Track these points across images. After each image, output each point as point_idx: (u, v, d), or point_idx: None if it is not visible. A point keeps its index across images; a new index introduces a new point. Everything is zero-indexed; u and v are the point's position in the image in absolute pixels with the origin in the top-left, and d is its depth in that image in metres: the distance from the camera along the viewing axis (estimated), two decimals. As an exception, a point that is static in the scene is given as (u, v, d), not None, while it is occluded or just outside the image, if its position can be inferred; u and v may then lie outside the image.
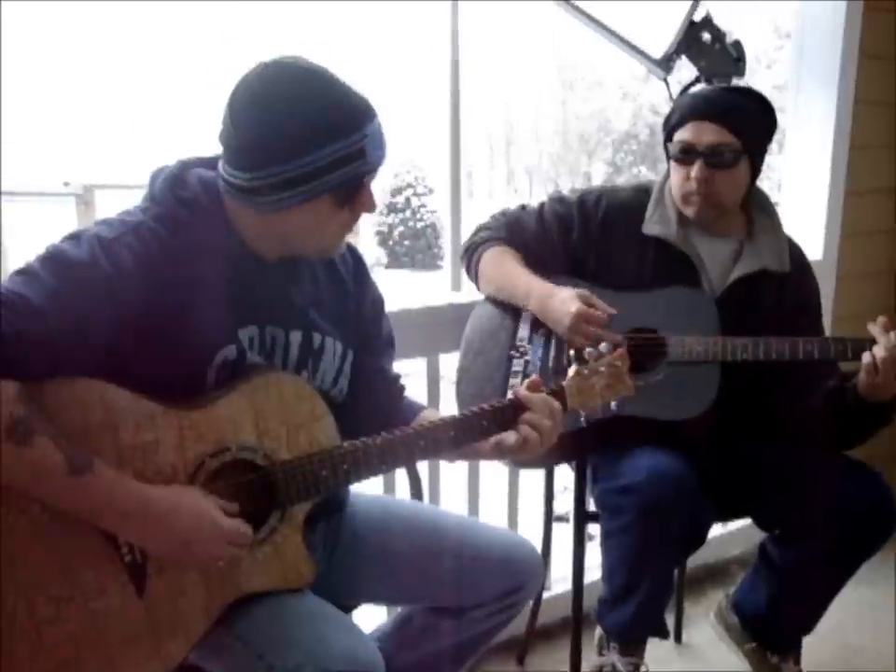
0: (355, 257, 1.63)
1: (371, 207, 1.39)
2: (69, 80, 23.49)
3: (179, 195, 1.35)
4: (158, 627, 1.27)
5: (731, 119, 1.89)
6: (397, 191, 24.66)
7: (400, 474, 1.94)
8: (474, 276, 2.14)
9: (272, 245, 1.40)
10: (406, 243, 24.45)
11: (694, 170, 1.91)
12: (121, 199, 1.40)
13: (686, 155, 1.93)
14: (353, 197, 1.35)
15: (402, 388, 1.72)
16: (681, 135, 1.93)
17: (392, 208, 24.60)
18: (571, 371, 1.54)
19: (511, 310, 2.06)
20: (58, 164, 17.79)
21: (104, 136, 18.43)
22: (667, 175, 2.05)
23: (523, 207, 2.14)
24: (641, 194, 2.07)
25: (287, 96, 1.28)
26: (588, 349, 1.56)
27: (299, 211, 1.33)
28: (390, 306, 1.75)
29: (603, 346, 1.57)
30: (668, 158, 2.00)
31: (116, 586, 1.24)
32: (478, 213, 2.29)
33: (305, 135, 1.27)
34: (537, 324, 2.01)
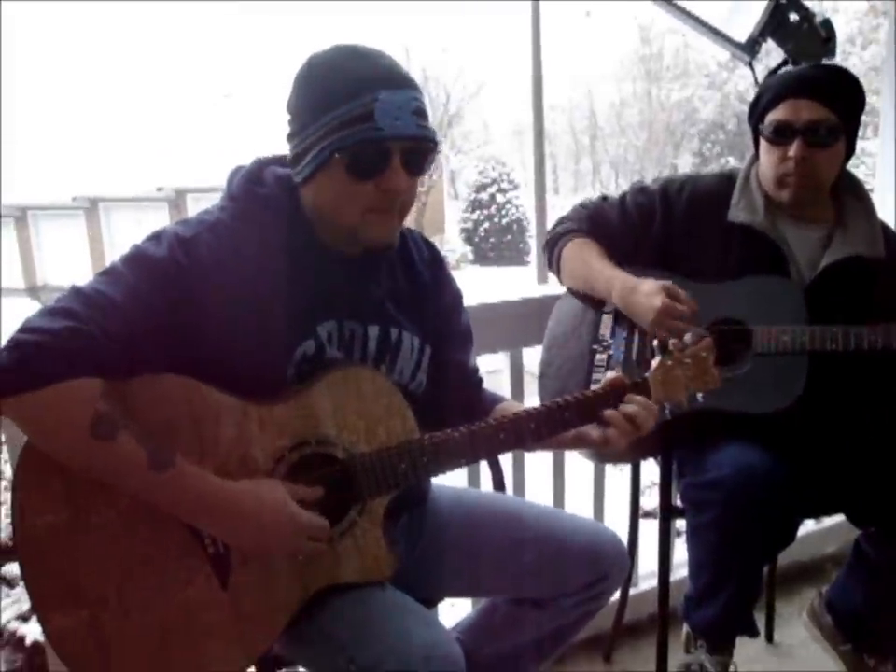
0: (432, 251, 1.62)
1: (395, 184, 1.32)
2: (160, 86, 24.21)
3: (256, 192, 1.38)
4: (242, 618, 1.30)
5: (828, 95, 1.83)
6: (481, 188, 24.73)
7: (485, 470, 1.94)
8: (556, 269, 2.11)
9: (332, 232, 1.40)
10: (492, 239, 24.48)
11: (793, 149, 1.84)
12: (212, 202, 1.43)
13: (782, 135, 1.85)
14: (372, 171, 1.32)
15: (481, 381, 1.71)
16: (776, 115, 1.86)
17: (477, 205, 24.67)
18: (655, 362, 1.51)
19: (593, 304, 2.04)
20: (151, 170, 18.34)
21: (195, 140, 18.92)
22: (752, 162, 2.00)
23: (604, 198, 2.10)
24: (725, 181, 2.02)
25: (313, 69, 1.34)
26: (672, 340, 1.53)
27: (320, 180, 1.34)
28: (475, 300, 1.74)
29: (688, 337, 1.54)
30: (756, 142, 1.95)
31: (201, 577, 1.27)
32: (563, 207, 2.27)
33: (320, 100, 1.30)
34: (619, 317, 1.98)
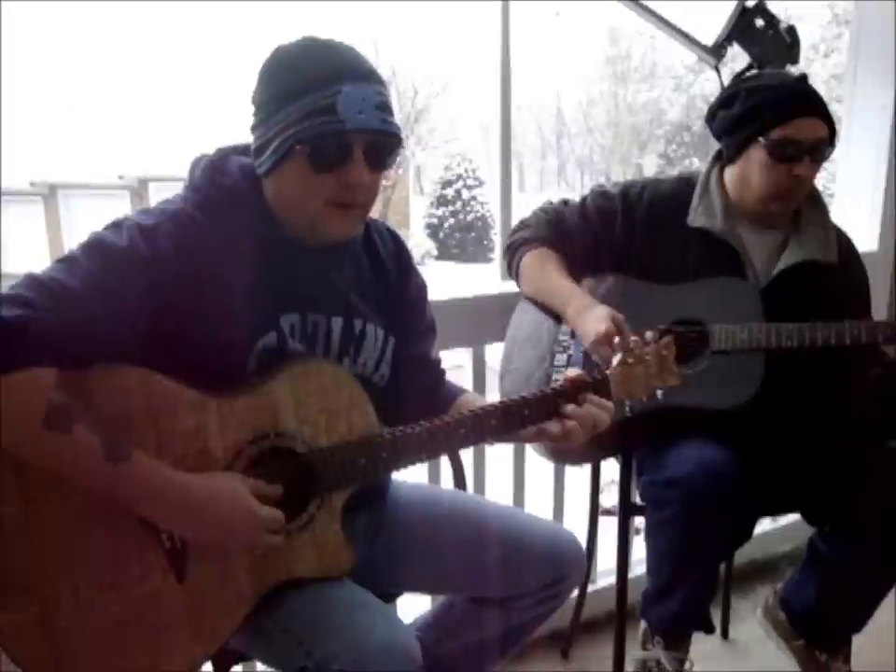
0: (397, 243, 1.62)
1: (356, 177, 1.32)
2: (124, 73, 23.90)
3: (219, 182, 1.37)
4: (198, 613, 1.28)
5: (826, 112, 1.86)
6: (447, 184, 24.72)
7: (445, 465, 1.94)
8: (515, 277, 2.13)
9: (294, 224, 1.39)
10: (457, 235, 24.48)
11: (802, 168, 1.85)
12: (175, 192, 1.41)
13: (789, 152, 1.85)
14: (334, 163, 1.32)
15: (443, 373, 1.72)
16: (786, 132, 1.84)
17: (442, 200, 24.65)
18: (616, 359, 1.52)
19: (551, 312, 2.05)
20: (113, 158, 18.08)
21: (158, 129, 18.69)
22: (712, 166, 2.02)
23: (565, 203, 2.12)
24: (684, 185, 2.04)
25: (278, 60, 1.34)
26: (633, 338, 1.54)
27: (283, 172, 1.34)
28: (438, 296, 1.74)
29: (649, 334, 1.55)
30: (737, 152, 1.94)
31: (157, 572, 1.25)
32: (528, 204, 2.28)
33: (282, 92, 1.30)
34: None
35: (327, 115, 1.28)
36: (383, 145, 1.35)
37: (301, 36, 1.36)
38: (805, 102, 1.86)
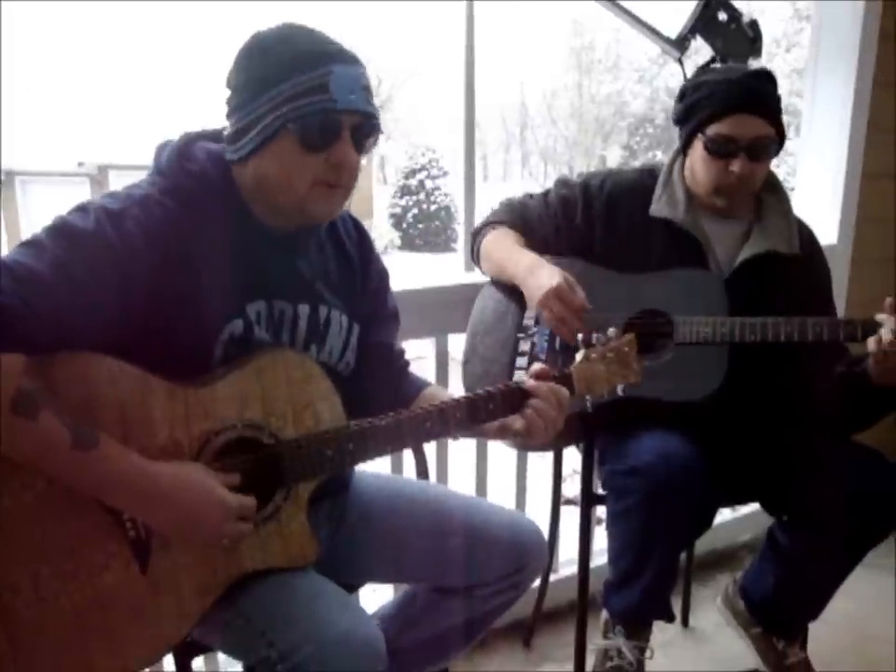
0: (359, 230, 1.62)
1: (344, 157, 1.33)
2: (85, 61, 23.53)
3: (186, 168, 1.35)
4: (161, 603, 1.27)
5: (770, 110, 1.87)
6: (411, 174, 24.63)
7: (408, 454, 1.94)
8: (477, 259, 2.15)
9: (270, 212, 1.39)
10: (420, 225, 24.41)
11: (737, 165, 1.86)
12: (135, 179, 1.39)
13: (725, 149, 1.87)
14: (323, 143, 1.31)
15: (407, 363, 1.72)
16: (720, 129, 1.86)
17: (406, 190, 24.56)
18: (579, 356, 1.53)
19: (518, 292, 2.05)
20: (73, 145, 17.80)
21: (118, 117, 18.42)
22: (675, 157, 2.04)
23: (530, 196, 2.15)
24: (646, 176, 2.06)
25: (261, 44, 1.33)
26: (595, 334, 1.55)
27: (267, 153, 1.32)
28: (401, 286, 1.75)
29: (611, 331, 1.56)
30: (687, 143, 1.97)
31: (119, 562, 1.24)
32: (492, 196, 2.29)
33: (268, 73, 1.29)
34: None
35: (319, 94, 1.28)
36: (367, 127, 1.36)
37: (279, 23, 1.35)
38: (744, 99, 1.86)
